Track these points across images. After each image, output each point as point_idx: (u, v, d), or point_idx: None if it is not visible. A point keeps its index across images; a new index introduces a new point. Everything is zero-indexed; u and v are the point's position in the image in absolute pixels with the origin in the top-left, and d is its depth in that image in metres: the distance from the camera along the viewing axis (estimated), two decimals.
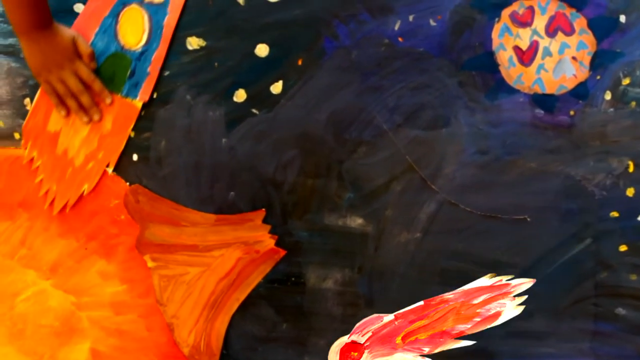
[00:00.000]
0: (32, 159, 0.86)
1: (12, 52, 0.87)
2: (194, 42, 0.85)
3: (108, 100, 0.84)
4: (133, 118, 0.85)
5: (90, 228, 0.86)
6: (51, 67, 0.82)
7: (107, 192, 0.86)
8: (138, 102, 0.85)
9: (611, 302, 0.83)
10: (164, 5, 0.84)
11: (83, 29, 0.85)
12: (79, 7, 0.86)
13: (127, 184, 0.85)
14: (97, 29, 0.85)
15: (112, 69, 0.85)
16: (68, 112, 0.85)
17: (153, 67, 0.84)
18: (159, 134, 0.85)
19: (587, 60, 0.82)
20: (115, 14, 0.85)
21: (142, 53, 0.85)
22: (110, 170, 0.85)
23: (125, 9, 0.85)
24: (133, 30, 0.85)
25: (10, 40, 0.87)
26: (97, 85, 0.84)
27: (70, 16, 0.86)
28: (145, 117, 0.85)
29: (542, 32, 0.82)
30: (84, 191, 0.85)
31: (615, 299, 0.83)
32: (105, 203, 0.86)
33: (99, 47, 0.85)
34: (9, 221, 0.87)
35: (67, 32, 0.83)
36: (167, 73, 0.85)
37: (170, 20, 0.84)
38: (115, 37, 0.85)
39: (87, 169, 0.85)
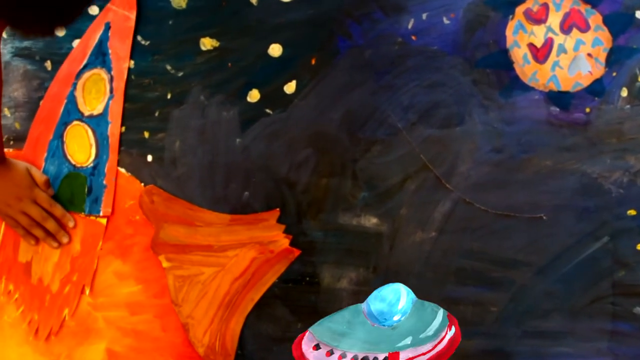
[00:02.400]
0: (9, 292, 0.87)
1: (27, 55, 0.88)
2: (207, 43, 0.85)
3: (71, 224, 0.85)
4: (100, 235, 0.85)
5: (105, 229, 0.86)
6: (10, 201, 0.82)
7: (122, 193, 0.86)
8: (102, 219, 0.85)
9: (629, 301, 0.82)
10: (104, 116, 0.85)
11: (32, 157, 0.86)
12: (94, 10, 0.86)
13: (142, 184, 0.86)
14: (45, 154, 0.86)
15: (70, 190, 0.86)
16: (37, 241, 0.85)
17: (108, 179, 0.85)
18: (173, 134, 0.85)
19: (602, 56, 0.81)
20: (59, 135, 0.86)
21: (94, 167, 0.85)
22: (87, 291, 0.85)
23: (68, 128, 0.86)
24: (80, 147, 0.85)
25: (26, 43, 0.88)
26: (57, 211, 0.84)
27: (84, 19, 0.86)
28: (160, 118, 0.86)
29: (557, 29, 0.81)
30: (65, 316, 0.85)
31: (633, 298, 0.82)
32: (121, 204, 0.86)
33: (52, 171, 0.86)
34: None
35: (19, 164, 0.84)
36: (180, 74, 0.85)
37: (113, 129, 0.85)
38: (65, 157, 0.86)
39: (65, 294, 0.85)
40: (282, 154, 0.84)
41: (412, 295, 0.66)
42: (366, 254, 0.84)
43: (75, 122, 0.86)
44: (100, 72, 0.85)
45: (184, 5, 0.85)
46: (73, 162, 0.86)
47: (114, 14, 0.85)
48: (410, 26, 0.83)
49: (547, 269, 0.82)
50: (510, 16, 0.82)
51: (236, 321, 0.84)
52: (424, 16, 0.82)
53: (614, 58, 0.81)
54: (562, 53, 0.81)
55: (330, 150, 0.84)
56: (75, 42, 0.86)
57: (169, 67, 0.86)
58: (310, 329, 0.67)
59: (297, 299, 0.84)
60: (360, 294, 0.84)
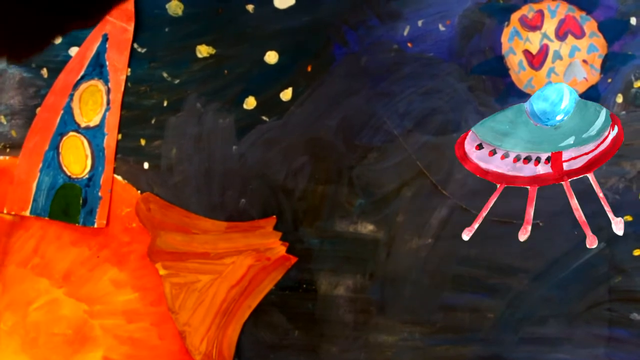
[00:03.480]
0: None
1: (23, 63, 0.88)
2: (203, 50, 0.85)
3: None
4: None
5: (102, 236, 0.86)
6: None
7: (119, 201, 0.86)
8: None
9: (626, 307, 0.82)
10: (100, 127, 0.85)
11: (27, 168, 0.86)
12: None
13: (138, 192, 0.86)
14: (40, 165, 0.86)
15: (65, 201, 0.85)
16: None
17: (104, 191, 0.85)
18: (170, 142, 0.86)
19: (598, 63, 0.81)
20: (55, 146, 0.86)
21: (89, 179, 0.85)
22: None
23: (64, 139, 0.86)
24: (76, 159, 0.85)
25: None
26: None
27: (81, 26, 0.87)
28: (156, 126, 0.86)
29: (552, 36, 0.82)
30: None
31: (629, 304, 0.82)
32: (117, 212, 0.86)
33: (47, 182, 0.86)
34: (22, 230, 0.87)
35: None
36: (177, 81, 0.85)
37: (109, 140, 0.85)
38: (60, 168, 0.85)
39: None
40: (279, 161, 0.84)
41: (575, 94, 0.64)
42: (363, 261, 0.84)
43: (71, 133, 0.86)
44: (97, 84, 0.86)
45: (180, 12, 0.85)
46: (68, 173, 0.86)
47: (112, 25, 0.85)
48: (406, 33, 0.83)
49: (543, 275, 0.82)
50: (506, 23, 0.82)
51: (233, 328, 0.84)
52: (420, 23, 0.83)
53: (609, 64, 0.81)
54: (558, 59, 0.82)
55: (326, 157, 0.84)
56: (72, 50, 0.86)
57: (165, 75, 0.86)
58: (472, 129, 0.66)
59: (294, 306, 0.84)
60: (357, 301, 0.84)
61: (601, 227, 0.82)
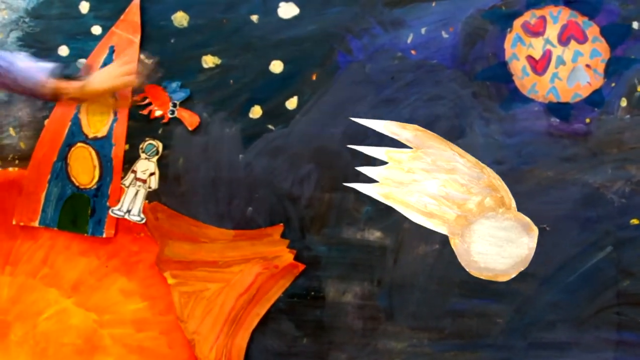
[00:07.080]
0: None
1: None
2: (209, 61, 0.86)
3: None
4: None
5: (110, 246, 0.87)
6: None
7: None
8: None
9: (635, 310, 0.82)
10: (108, 138, 0.86)
11: (35, 179, 0.87)
12: (96, 30, 0.87)
13: (146, 201, 0.86)
14: (49, 176, 0.87)
15: (73, 211, 0.86)
16: None
17: (112, 201, 0.86)
18: (177, 151, 0.86)
19: (601, 67, 0.82)
20: (63, 157, 0.87)
21: (98, 189, 0.86)
22: None
23: (72, 150, 0.87)
24: (84, 169, 0.87)
25: None
26: None
27: (87, 39, 0.87)
28: (163, 136, 0.86)
29: (555, 41, 0.82)
30: None
31: (638, 307, 0.82)
32: (125, 221, 0.86)
33: (55, 192, 0.87)
34: (31, 241, 0.88)
35: None
36: None
37: (117, 151, 0.86)
38: (69, 179, 0.86)
39: None
40: (285, 169, 0.85)
41: None
42: (370, 268, 0.84)
43: (79, 144, 0.87)
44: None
45: (185, 24, 0.86)
46: (77, 184, 0.86)
47: (119, 37, 0.86)
48: (409, 41, 0.83)
49: (551, 280, 0.82)
50: (509, 29, 0.83)
51: (242, 336, 0.84)
52: (423, 31, 0.83)
53: (612, 69, 0.82)
54: (561, 64, 0.82)
55: (332, 164, 0.84)
56: (79, 62, 0.87)
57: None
58: None
59: (303, 313, 0.85)
60: (365, 308, 0.84)
61: (608, 230, 0.81)
